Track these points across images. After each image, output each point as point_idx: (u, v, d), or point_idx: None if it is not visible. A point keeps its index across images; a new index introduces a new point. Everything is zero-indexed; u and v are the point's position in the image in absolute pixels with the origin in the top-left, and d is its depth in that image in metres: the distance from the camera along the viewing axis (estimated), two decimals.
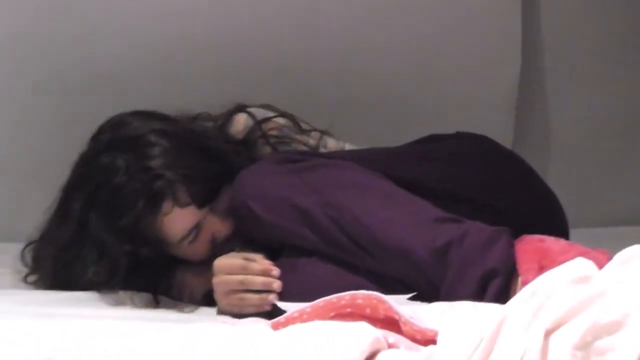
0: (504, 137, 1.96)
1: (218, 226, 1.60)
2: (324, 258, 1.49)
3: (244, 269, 1.51)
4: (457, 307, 1.17)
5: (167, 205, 1.55)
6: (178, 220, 1.57)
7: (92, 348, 1.17)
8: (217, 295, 1.52)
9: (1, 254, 1.79)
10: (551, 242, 1.40)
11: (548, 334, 0.98)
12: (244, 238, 1.58)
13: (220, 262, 1.52)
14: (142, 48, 1.99)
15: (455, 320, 1.07)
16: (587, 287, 1.02)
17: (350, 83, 2.09)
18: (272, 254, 1.55)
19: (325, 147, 1.77)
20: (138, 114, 1.66)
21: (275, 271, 1.50)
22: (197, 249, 1.61)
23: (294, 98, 1.94)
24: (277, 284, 1.49)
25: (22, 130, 2.01)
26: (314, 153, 1.65)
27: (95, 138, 1.66)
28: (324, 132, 1.77)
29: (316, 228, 1.48)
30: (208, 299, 1.59)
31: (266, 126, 1.73)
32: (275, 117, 1.74)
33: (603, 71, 2.28)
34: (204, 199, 1.57)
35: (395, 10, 2.10)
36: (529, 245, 1.40)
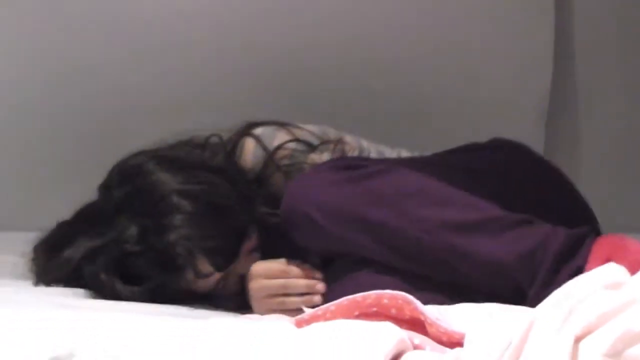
0: (535, 144, 1.94)
1: (246, 269, 1.54)
2: (382, 269, 1.44)
3: (284, 272, 1.48)
4: (484, 308, 1.14)
5: (187, 274, 1.49)
6: (201, 283, 1.52)
7: (107, 342, 1.16)
8: (255, 301, 1.49)
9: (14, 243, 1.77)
10: (631, 240, 1.36)
11: (578, 339, 0.96)
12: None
13: (259, 266, 1.49)
14: (141, 51, 1.98)
15: (483, 322, 1.05)
16: (620, 293, 1.00)
17: (376, 88, 2.08)
18: (323, 265, 1.51)
19: (362, 150, 1.74)
20: (158, 160, 1.57)
21: (318, 274, 1.47)
22: (227, 290, 1.56)
23: (323, 104, 1.93)
24: (321, 285, 1.46)
25: (25, 121, 2.01)
26: (370, 159, 1.60)
27: (110, 187, 1.58)
28: (336, 142, 1.73)
29: (384, 239, 1.42)
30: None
31: (277, 155, 1.65)
32: (285, 143, 1.66)
33: (634, 80, 2.26)
34: (226, 264, 1.51)
35: (427, 17, 2.08)
36: (607, 239, 1.37)
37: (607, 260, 1.27)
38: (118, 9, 1.97)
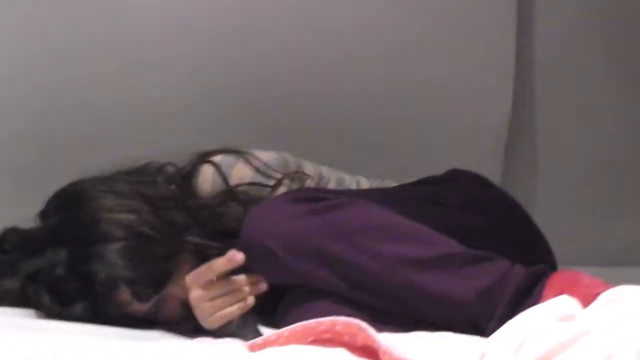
0: (493, 171, 1.95)
1: (184, 294, 1.51)
2: (341, 301, 1.44)
3: (209, 268, 1.43)
4: (439, 336, 1.15)
5: (112, 301, 1.49)
6: (133, 309, 1.50)
7: None
8: (200, 312, 1.45)
9: None
10: (583, 275, 1.37)
11: None
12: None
13: (189, 276, 1.46)
14: (116, 68, 1.96)
15: (435, 352, 1.05)
16: (571, 325, 1.00)
17: (338, 107, 2.08)
18: (277, 294, 1.49)
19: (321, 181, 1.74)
20: (97, 188, 1.57)
21: (239, 255, 1.43)
22: (168, 316, 1.54)
23: (284, 130, 1.92)
24: (261, 287, 1.45)
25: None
26: (332, 190, 1.59)
27: (47, 213, 1.58)
28: (295, 173, 1.73)
29: (345, 272, 1.41)
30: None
31: (235, 186, 1.64)
32: (243, 182, 1.66)
33: (594, 110, 2.28)
34: (147, 295, 1.49)
35: (384, 43, 2.08)
36: (560, 274, 1.38)
37: (561, 294, 1.29)
38: (99, 21, 1.96)
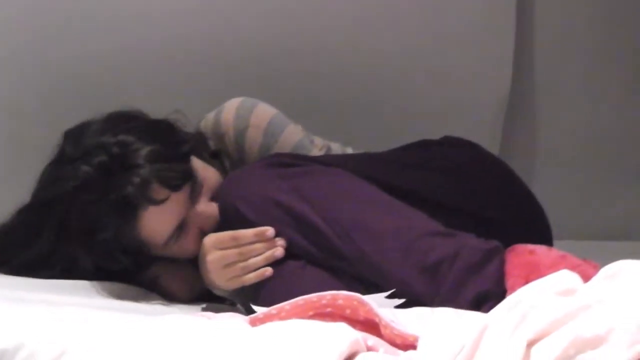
0: (491, 144, 1.96)
1: (204, 216, 1.54)
2: (311, 262, 1.46)
3: (235, 238, 1.46)
4: (439, 313, 1.15)
5: (144, 208, 1.49)
6: (159, 221, 1.51)
7: (61, 337, 1.15)
8: (214, 274, 1.47)
9: None
10: (542, 254, 1.37)
11: (530, 344, 0.96)
12: None
13: (209, 238, 1.48)
14: (136, 47, 1.96)
15: (436, 326, 1.05)
16: (572, 299, 1.01)
17: (342, 85, 2.08)
18: None
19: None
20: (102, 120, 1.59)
21: (270, 230, 1.46)
22: (186, 247, 1.55)
23: (287, 99, 1.92)
24: (281, 242, 1.46)
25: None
26: (307, 157, 1.60)
27: (61, 149, 1.59)
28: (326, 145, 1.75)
29: (307, 233, 1.44)
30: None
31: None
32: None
33: (592, 86, 2.28)
34: (180, 183, 1.50)
35: (389, 18, 2.09)
36: (519, 257, 1.37)
37: (527, 280, 1.29)
38: (110, 5, 1.95)
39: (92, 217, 1.50)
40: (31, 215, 1.60)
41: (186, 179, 1.52)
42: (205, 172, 1.57)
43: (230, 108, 1.67)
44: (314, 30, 2.04)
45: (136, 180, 1.47)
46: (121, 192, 1.47)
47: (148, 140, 1.52)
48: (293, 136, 1.67)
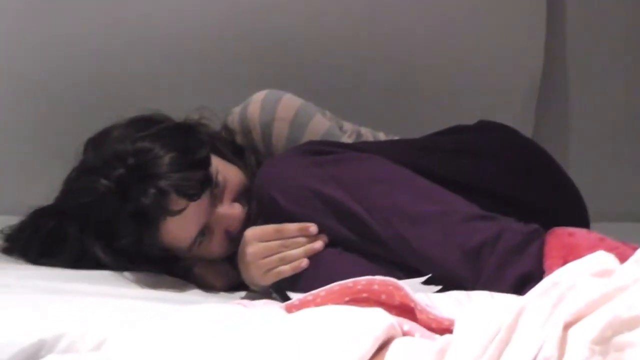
0: (523, 128, 1.95)
1: (228, 219, 1.55)
2: (347, 248, 1.46)
3: (279, 231, 1.47)
4: (474, 296, 1.15)
5: (162, 218, 1.50)
6: (180, 229, 1.52)
7: (100, 326, 1.16)
8: (253, 266, 1.47)
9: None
10: (581, 236, 1.36)
11: (567, 326, 0.96)
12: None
13: (253, 230, 1.49)
14: (141, 43, 1.96)
15: (472, 309, 1.05)
16: (609, 281, 1.00)
17: (370, 72, 2.08)
18: None
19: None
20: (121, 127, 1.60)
21: (313, 227, 1.46)
22: (212, 249, 1.57)
23: (310, 85, 1.92)
24: (323, 237, 1.46)
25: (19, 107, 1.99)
26: (344, 144, 1.61)
27: (83, 158, 1.61)
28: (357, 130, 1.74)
29: (345, 220, 1.44)
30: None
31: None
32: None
33: (624, 67, 2.26)
34: (198, 192, 1.51)
35: (417, 3, 2.08)
36: (558, 239, 1.37)
37: (565, 261, 1.28)
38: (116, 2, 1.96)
39: (113, 228, 1.52)
40: (54, 221, 1.62)
41: (205, 187, 1.52)
42: (227, 172, 1.57)
43: (256, 102, 1.66)
44: (335, 15, 2.03)
45: (152, 192, 1.47)
46: (138, 204, 1.48)
47: (166, 147, 1.51)
48: (320, 126, 1.66)
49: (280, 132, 1.65)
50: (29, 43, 1.94)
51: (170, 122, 1.61)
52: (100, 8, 1.94)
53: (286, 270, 1.46)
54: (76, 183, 1.58)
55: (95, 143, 1.60)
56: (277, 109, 1.65)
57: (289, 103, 1.66)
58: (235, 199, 1.57)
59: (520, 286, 1.31)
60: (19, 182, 1.96)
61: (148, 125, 1.58)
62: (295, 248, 1.46)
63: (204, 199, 1.52)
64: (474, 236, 1.37)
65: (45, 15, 1.92)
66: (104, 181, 1.51)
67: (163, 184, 1.47)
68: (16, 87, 1.95)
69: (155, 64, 1.96)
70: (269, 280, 1.47)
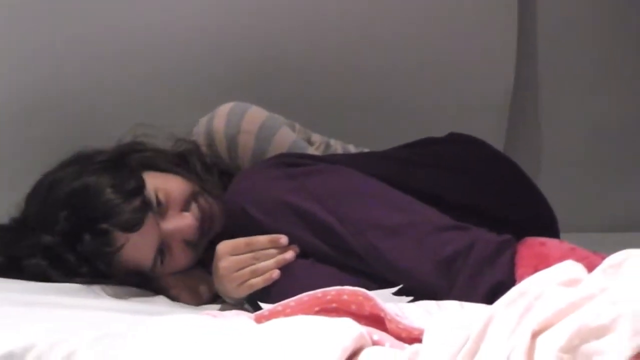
0: (496, 140, 1.96)
1: (180, 231, 1.56)
2: (320, 259, 1.46)
3: (250, 244, 1.47)
4: (444, 306, 1.15)
5: (112, 256, 1.52)
6: (136, 253, 1.54)
7: (69, 339, 1.16)
8: (225, 280, 1.48)
9: None
10: (552, 246, 1.37)
11: (535, 335, 0.96)
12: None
13: (224, 245, 1.49)
14: (135, 48, 1.96)
15: (441, 319, 1.05)
16: (576, 290, 1.01)
17: (344, 82, 2.08)
18: None
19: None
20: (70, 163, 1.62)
21: (283, 238, 1.46)
22: (178, 262, 1.58)
23: (286, 97, 1.92)
24: (294, 248, 1.47)
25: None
26: (315, 156, 1.61)
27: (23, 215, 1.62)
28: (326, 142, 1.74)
29: (318, 232, 1.44)
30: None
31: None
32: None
33: (596, 78, 2.28)
34: (139, 220, 1.52)
35: (390, 14, 2.09)
36: (529, 249, 1.38)
37: (536, 270, 1.28)
38: (113, 8, 1.95)
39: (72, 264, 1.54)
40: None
41: (144, 214, 1.52)
42: (167, 184, 1.57)
43: (221, 115, 1.66)
44: (314, 28, 2.04)
45: (89, 238, 1.50)
46: (85, 251, 1.51)
47: (97, 187, 1.53)
48: (286, 138, 1.66)
49: (246, 145, 1.65)
50: (21, 48, 1.93)
51: (101, 156, 1.62)
52: (96, 13, 1.93)
53: (258, 282, 1.46)
54: (20, 237, 1.59)
55: (32, 197, 1.62)
56: (242, 122, 1.65)
57: (255, 116, 1.66)
58: (184, 208, 1.58)
59: (493, 296, 1.31)
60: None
61: (78, 164, 1.60)
62: (267, 259, 1.46)
63: (149, 222, 1.53)
64: (446, 246, 1.38)
65: (38, 20, 1.92)
66: (47, 237, 1.54)
67: (102, 225, 1.49)
68: None
69: (150, 69, 1.96)
70: (242, 293, 1.48)
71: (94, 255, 1.51)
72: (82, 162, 1.61)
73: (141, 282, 1.57)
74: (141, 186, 1.54)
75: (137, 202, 1.51)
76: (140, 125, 1.67)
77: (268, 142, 1.65)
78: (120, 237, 1.50)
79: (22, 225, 1.61)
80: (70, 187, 1.55)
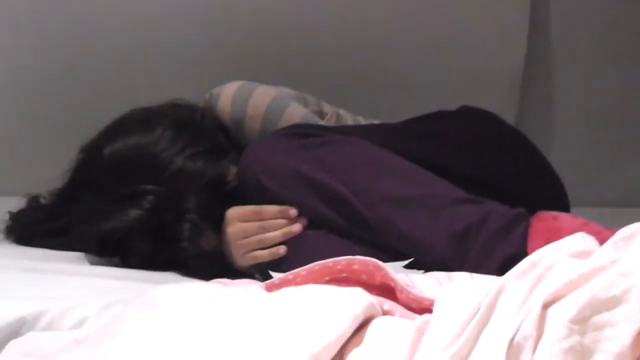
0: (507, 114, 1.95)
1: None
2: (333, 231, 1.46)
3: (259, 212, 1.47)
4: (455, 277, 1.15)
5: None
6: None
7: (81, 305, 1.16)
8: (232, 245, 1.48)
9: None
10: (565, 220, 1.37)
11: (546, 306, 0.96)
12: None
13: (234, 210, 1.49)
14: (139, 38, 1.96)
15: (452, 289, 1.06)
16: (588, 261, 1.01)
17: (354, 57, 2.08)
18: None
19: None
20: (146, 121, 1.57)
21: (292, 210, 1.46)
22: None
23: (297, 74, 1.92)
24: (303, 220, 1.47)
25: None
26: (328, 127, 1.60)
27: (100, 148, 1.57)
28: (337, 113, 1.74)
29: (331, 203, 1.44)
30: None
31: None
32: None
33: (607, 57, 2.27)
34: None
35: None
36: (542, 222, 1.38)
37: (548, 242, 1.28)
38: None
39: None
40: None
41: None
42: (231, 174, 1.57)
43: (227, 97, 1.64)
44: (323, 5, 2.03)
45: (189, 230, 1.48)
46: (175, 243, 1.49)
47: (198, 172, 1.51)
48: (294, 116, 1.64)
49: (253, 128, 1.64)
50: (31, 37, 1.93)
51: (192, 124, 1.58)
52: (100, 6, 1.94)
53: (264, 255, 1.47)
54: (102, 209, 1.53)
55: (114, 138, 1.57)
56: (247, 106, 1.64)
57: (260, 98, 1.64)
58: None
59: (506, 268, 1.30)
60: (18, 164, 1.95)
61: (177, 132, 1.55)
62: (275, 230, 1.46)
63: None
64: (461, 219, 1.38)
65: (44, 13, 1.92)
66: (135, 212, 1.49)
67: (199, 220, 1.48)
68: (15, 73, 1.94)
69: (153, 59, 1.97)
70: (246, 262, 1.48)
71: (187, 247, 1.49)
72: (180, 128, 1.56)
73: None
74: (235, 195, 1.53)
75: (226, 209, 1.51)
76: (179, 100, 1.64)
77: (275, 123, 1.63)
78: (211, 237, 1.51)
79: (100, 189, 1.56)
80: (177, 167, 1.51)
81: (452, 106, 1.75)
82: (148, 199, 1.48)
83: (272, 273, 1.17)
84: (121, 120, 1.58)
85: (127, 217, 1.48)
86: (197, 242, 1.48)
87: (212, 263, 1.51)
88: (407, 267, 1.36)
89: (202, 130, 1.57)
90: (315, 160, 1.45)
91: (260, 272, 1.50)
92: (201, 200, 1.48)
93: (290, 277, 1.12)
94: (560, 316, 0.95)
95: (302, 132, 1.51)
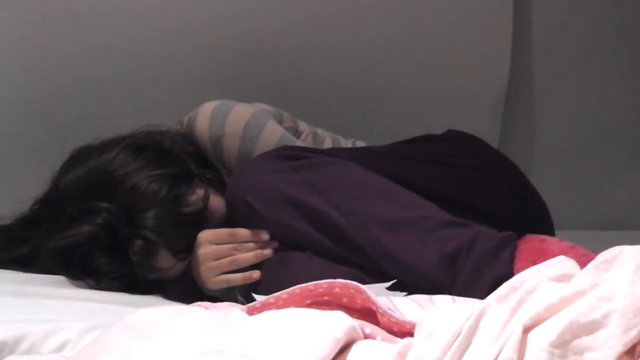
0: (491, 133, 1.96)
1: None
2: (318, 253, 1.46)
3: (232, 235, 1.47)
4: (437, 300, 1.15)
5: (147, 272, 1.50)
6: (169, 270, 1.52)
7: (62, 329, 1.15)
8: (202, 267, 1.48)
9: None
10: (552, 243, 1.38)
11: (527, 330, 0.96)
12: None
13: (206, 233, 1.49)
14: (137, 46, 1.96)
15: (433, 313, 1.05)
16: (568, 285, 1.01)
17: (339, 80, 2.08)
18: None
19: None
20: (121, 146, 1.56)
21: (265, 234, 1.46)
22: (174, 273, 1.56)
23: (285, 94, 1.92)
24: (274, 244, 1.47)
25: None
26: (317, 150, 1.61)
27: (67, 171, 1.57)
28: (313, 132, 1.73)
29: (320, 225, 1.44)
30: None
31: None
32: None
33: (591, 75, 2.28)
34: (187, 254, 1.51)
35: (385, 9, 2.09)
36: (528, 244, 1.38)
37: (534, 265, 1.29)
38: (112, 7, 1.95)
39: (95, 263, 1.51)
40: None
41: (191, 247, 1.50)
42: (213, 203, 1.55)
43: (204, 115, 1.63)
44: (309, 25, 2.04)
45: (140, 243, 1.47)
46: (127, 257, 1.48)
47: (154, 185, 1.49)
48: (272, 136, 1.64)
49: (231, 147, 1.63)
50: (21, 48, 1.93)
51: (155, 147, 1.57)
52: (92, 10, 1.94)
53: (237, 278, 1.47)
54: (56, 228, 1.54)
55: (70, 168, 1.57)
56: (225, 124, 1.63)
57: (238, 116, 1.64)
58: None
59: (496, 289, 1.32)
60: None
61: (127, 152, 1.55)
62: (245, 250, 1.46)
63: None
64: (450, 242, 1.38)
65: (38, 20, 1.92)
66: (87, 227, 1.49)
67: (152, 237, 1.47)
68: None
69: (145, 68, 1.96)
70: (217, 285, 1.47)
71: (138, 263, 1.48)
72: (129, 150, 1.56)
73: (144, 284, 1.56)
74: (203, 217, 1.52)
75: (192, 231, 1.50)
76: (151, 126, 1.64)
77: (254, 141, 1.63)
78: (165, 258, 1.49)
79: (53, 214, 1.56)
80: (131, 183, 1.50)
81: (436, 126, 1.75)
82: (102, 215, 1.47)
83: (254, 295, 1.17)
84: (80, 149, 1.58)
85: (79, 232, 1.48)
86: (149, 259, 1.46)
87: (177, 284, 1.52)
88: (390, 288, 1.36)
89: (166, 154, 1.56)
90: (305, 183, 1.46)
91: (242, 293, 1.49)
92: (157, 218, 1.46)
93: (272, 300, 1.12)
94: (541, 340, 0.95)
95: (291, 154, 1.51)
